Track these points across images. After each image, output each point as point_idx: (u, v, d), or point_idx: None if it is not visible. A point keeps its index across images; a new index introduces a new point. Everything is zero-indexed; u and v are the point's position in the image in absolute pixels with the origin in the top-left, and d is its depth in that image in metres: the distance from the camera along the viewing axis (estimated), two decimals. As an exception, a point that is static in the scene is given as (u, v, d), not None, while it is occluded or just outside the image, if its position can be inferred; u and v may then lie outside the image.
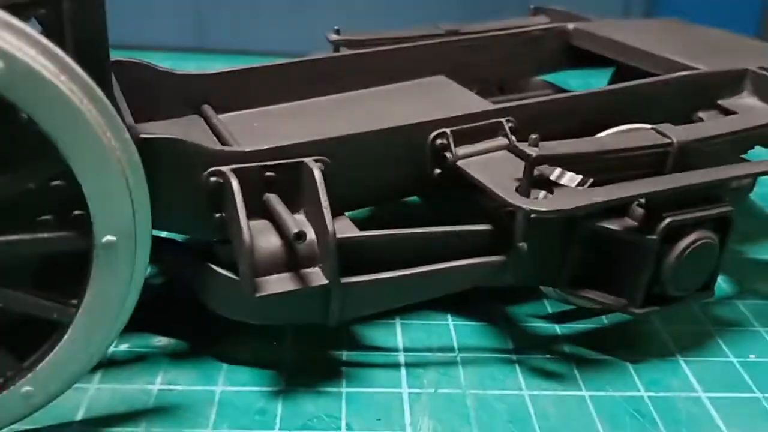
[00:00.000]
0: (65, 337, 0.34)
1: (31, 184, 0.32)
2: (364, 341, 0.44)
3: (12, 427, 0.35)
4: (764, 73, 0.49)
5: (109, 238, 0.32)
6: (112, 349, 0.42)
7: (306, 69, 0.51)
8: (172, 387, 0.39)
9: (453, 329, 0.46)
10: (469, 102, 0.49)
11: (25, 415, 0.35)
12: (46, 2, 0.31)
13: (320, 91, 0.52)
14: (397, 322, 0.46)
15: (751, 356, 0.45)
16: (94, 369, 0.39)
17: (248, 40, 1.03)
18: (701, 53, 0.52)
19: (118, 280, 0.33)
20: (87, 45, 0.33)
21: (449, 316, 0.47)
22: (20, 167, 0.32)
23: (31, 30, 0.30)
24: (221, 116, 0.48)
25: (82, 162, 0.31)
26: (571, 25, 0.60)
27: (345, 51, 0.55)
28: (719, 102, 0.49)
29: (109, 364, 0.41)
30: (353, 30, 0.58)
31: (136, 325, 0.39)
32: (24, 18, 0.30)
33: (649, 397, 0.41)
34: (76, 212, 0.33)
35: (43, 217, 0.33)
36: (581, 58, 0.60)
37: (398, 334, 0.45)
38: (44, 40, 0.30)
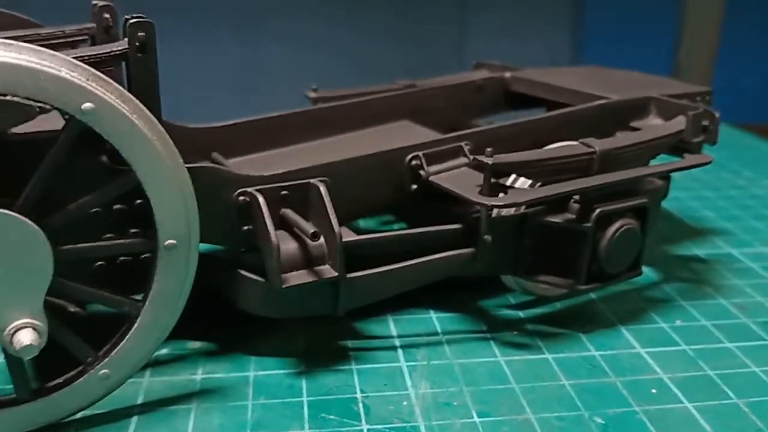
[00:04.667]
0: (135, 326, 0.42)
1: (111, 199, 0.41)
2: (364, 332, 0.53)
3: (86, 411, 0.43)
4: (664, 98, 0.61)
5: (171, 241, 0.41)
6: (155, 353, 0.50)
7: (294, 119, 0.61)
8: (212, 375, 0.48)
9: (436, 320, 0.55)
10: (432, 136, 0.60)
11: (102, 396, 0.43)
12: (119, 61, 0.41)
13: (306, 137, 0.62)
14: (389, 318, 0.55)
15: (677, 322, 0.55)
16: (144, 367, 0.47)
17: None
18: (615, 88, 0.64)
19: (176, 276, 0.42)
20: (146, 96, 0.42)
21: (431, 311, 0.56)
22: (101, 186, 0.40)
23: (111, 80, 0.39)
24: (230, 160, 0.57)
25: (150, 180, 0.40)
26: (508, 74, 0.72)
27: (321, 105, 0.66)
28: (631, 124, 0.61)
29: (155, 363, 0.49)
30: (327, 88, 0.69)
31: (173, 333, 0.47)
32: (105, 72, 0.39)
33: (599, 355, 0.51)
34: (145, 223, 0.42)
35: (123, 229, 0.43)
36: (518, 101, 0.72)
37: (391, 327, 0.54)
38: (121, 88, 0.39)
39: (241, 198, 0.47)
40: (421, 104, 0.67)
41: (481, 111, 0.72)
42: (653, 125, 0.60)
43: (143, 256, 0.44)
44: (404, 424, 0.43)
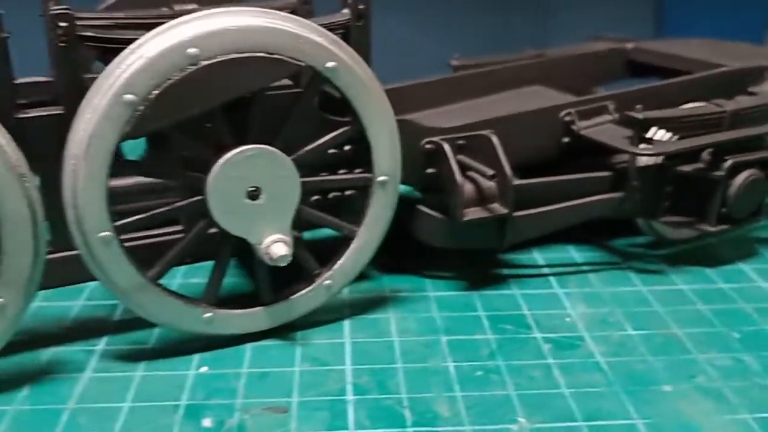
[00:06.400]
0: (352, 245, 0.51)
1: (342, 142, 0.50)
2: (518, 264, 0.62)
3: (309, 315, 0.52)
4: (780, 66, 0.68)
5: (383, 177, 0.50)
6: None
7: (447, 83, 0.70)
8: (399, 294, 0.57)
9: (577, 256, 0.63)
10: (568, 98, 0.68)
11: (324, 302, 0.52)
12: (344, 28, 0.50)
13: (452, 100, 0.70)
14: (535, 253, 0.64)
15: (794, 262, 0.63)
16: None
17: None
18: (733, 57, 0.71)
19: (386, 206, 0.51)
20: (362, 55, 0.51)
21: (571, 248, 0.64)
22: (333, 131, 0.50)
23: (345, 44, 0.48)
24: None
25: (372, 126, 0.49)
26: (629, 45, 0.79)
27: (462, 72, 0.74)
28: (749, 89, 0.68)
29: (356, 281, 0.56)
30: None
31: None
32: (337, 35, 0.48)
33: (727, 287, 0.58)
34: (364, 161, 0.51)
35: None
36: (638, 70, 0.79)
37: (540, 260, 0.62)
38: (352, 50, 0.48)
39: (428, 146, 0.56)
40: (550, 71, 0.75)
41: (602, 79, 0.79)
42: (769, 90, 0.67)
43: (348, 192, 0.53)
44: (571, 334, 0.52)
